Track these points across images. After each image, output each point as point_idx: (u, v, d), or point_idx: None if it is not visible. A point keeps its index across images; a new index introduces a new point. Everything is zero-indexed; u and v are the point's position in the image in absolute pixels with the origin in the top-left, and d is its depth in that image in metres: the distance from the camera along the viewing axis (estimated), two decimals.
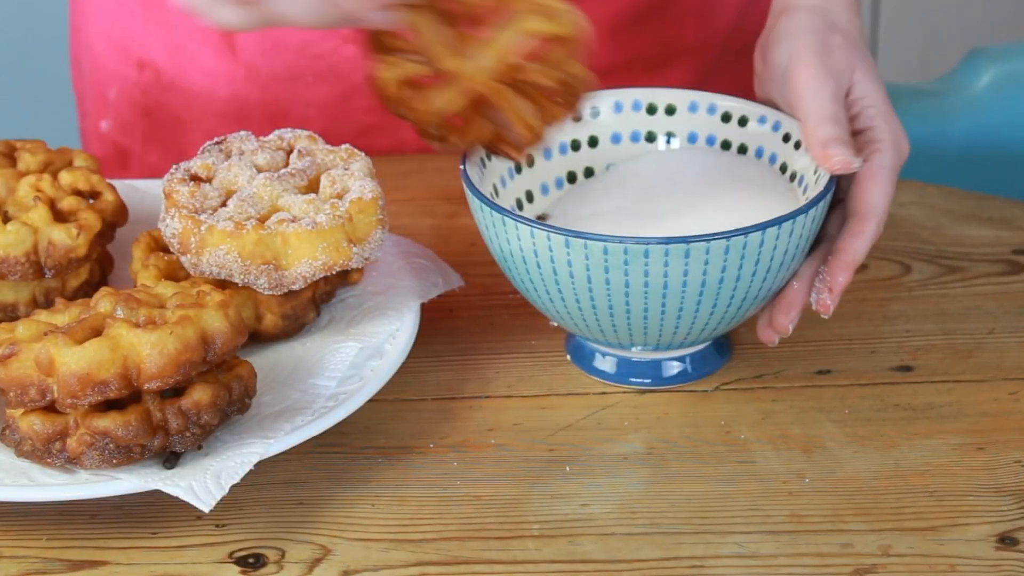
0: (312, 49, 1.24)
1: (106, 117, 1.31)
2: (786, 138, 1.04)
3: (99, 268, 1.06)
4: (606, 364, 1.01)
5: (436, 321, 1.06)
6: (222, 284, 0.99)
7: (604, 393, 1.00)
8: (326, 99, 1.26)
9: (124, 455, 0.89)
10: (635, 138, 1.07)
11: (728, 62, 1.30)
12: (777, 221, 0.92)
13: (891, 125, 0.99)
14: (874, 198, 0.98)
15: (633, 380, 1.01)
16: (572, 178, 1.07)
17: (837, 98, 0.98)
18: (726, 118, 1.06)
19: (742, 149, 1.05)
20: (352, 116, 1.27)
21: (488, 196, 0.96)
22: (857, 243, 0.97)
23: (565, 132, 1.06)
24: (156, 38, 1.26)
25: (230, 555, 0.89)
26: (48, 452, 0.90)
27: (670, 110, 1.06)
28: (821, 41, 1.00)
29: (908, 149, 1.00)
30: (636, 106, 1.06)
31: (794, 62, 1.00)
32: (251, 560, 0.88)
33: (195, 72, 1.26)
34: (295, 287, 0.98)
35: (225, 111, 1.27)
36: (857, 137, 0.99)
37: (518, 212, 0.98)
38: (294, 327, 1.01)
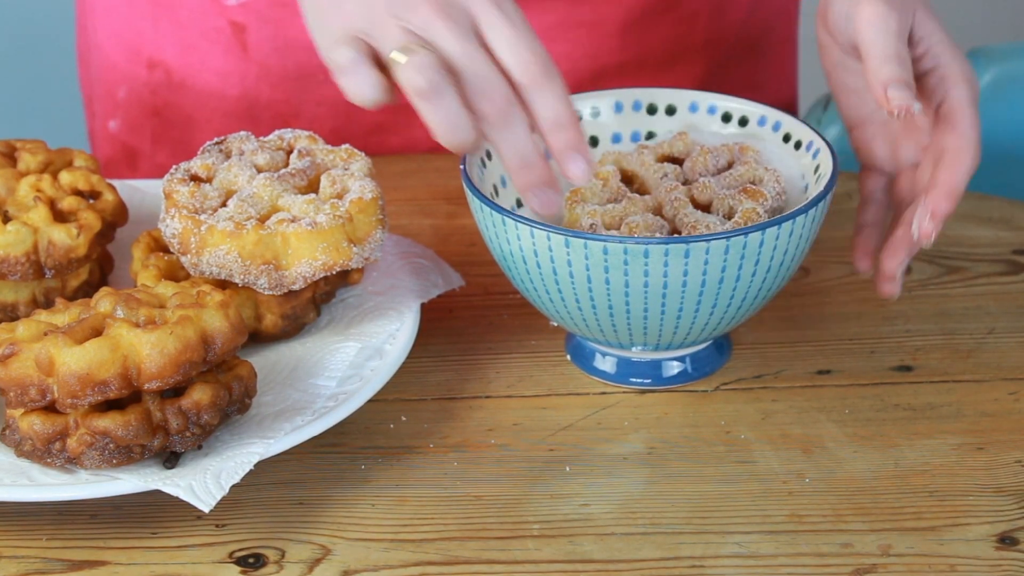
0: None
1: (115, 117, 1.31)
2: (786, 138, 1.04)
3: (99, 268, 1.06)
4: (606, 364, 1.01)
5: (436, 321, 1.06)
6: (222, 284, 0.99)
7: (604, 393, 1.00)
8: (338, 98, 1.26)
9: (124, 455, 0.89)
10: (635, 138, 1.07)
11: (738, 59, 1.30)
12: (777, 221, 0.92)
13: (959, 60, 0.99)
14: (965, 129, 0.97)
15: (633, 380, 1.01)
16: None
17: (901, 35, 0.97)
18: (726, 118, 1.06)
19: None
20: (363, 115, 1.27)
21: (488, 196, 0.96)
22: (958, 173, 0.97)
23: None
24: (167, 38, 1.26)
25: (230, 555, 0.89)
26: (48, 452, 0.90)
27: (670, 110, 1.06)
28: None
29: (979, 85, 0.99)
30: (636, 106, 1.06)
31: (856, 1, 0.98)
32: (251, 560, 0.88)
33: (206, 71, 1.26)
34: (295, 287, 0.98)
35: (236, 110, 1.27)
36: (928, 76, 0.99)
37: (518, 212, 0.98)
38: (294, 327, 1.01)
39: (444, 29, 0.90)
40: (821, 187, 0.96)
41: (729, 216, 0.98)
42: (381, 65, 0.92)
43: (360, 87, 0.91)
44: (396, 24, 0.91)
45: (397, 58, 0.90)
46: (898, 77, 0.95)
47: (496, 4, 0.91)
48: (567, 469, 0.94)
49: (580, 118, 1.00)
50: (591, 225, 0.97)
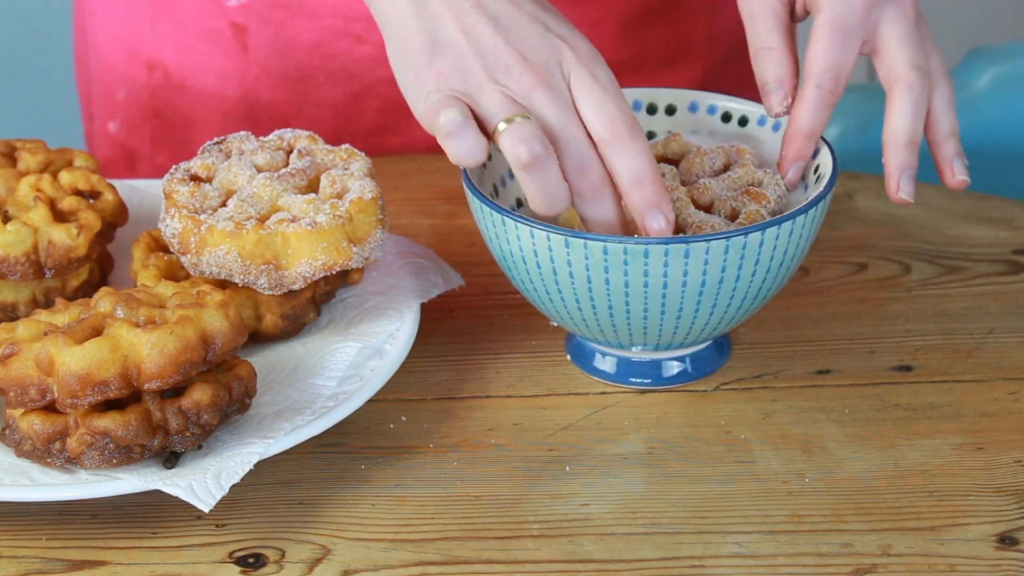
0: (324, 49, 1.24)
1: (114, 118, 1.31)
2: None
3: (99, 268, 1.06)
4: (606, 364, 1.01)
5: (436, 321, 1.06)
6: (222, 284, 0.99)
7: (604, 393, 1.00)
8: (338, 99, 1.26)
9: (124, 455, 0.89)
10: None
11: (738, 58, 1.30)
12: (777, 221, 0.92)
13: None
14: (811, 56, 0.98)
15: (633, 380, 1.01)
16: None
17: (769, 23, 0.99)
18: (726, 118, 1.06)
19: None
20: (364, 116, 1.27)
21: (488, 196, 0.96)
22: (797, 109, 0.98)
23: None
24: (166, 39, 1.26)
25: (230, 555, 0.89)
26: (48, 452, 0.90)
27: (670, 110, 1.06)
28: None
29: (859, 6, 0.97)
30: (636, 106, 1.06)
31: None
32: (251, 560, 0.88)
33: (205, 72, 1.26)
34: (295, 287, 0.98)
35: (235, 111, 1.27)
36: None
37: (518, 212, 0.98)
38: (294, 327, 1.01)
39: (544, 98, 0.92)
40: (821, 187, 0.97)
41: (732, 218, 0.98)
42: (479, 123, 0.93)
43: (465, 152, 0.92)
44: (496, 89, 0.92)
45: (499, 126, 0.91)
46: (773, 78, 0.98)
47: (589, 69, 0.93)
48: (567, 469, 0.94)
49: (663, 174, 1.01)
50: None
